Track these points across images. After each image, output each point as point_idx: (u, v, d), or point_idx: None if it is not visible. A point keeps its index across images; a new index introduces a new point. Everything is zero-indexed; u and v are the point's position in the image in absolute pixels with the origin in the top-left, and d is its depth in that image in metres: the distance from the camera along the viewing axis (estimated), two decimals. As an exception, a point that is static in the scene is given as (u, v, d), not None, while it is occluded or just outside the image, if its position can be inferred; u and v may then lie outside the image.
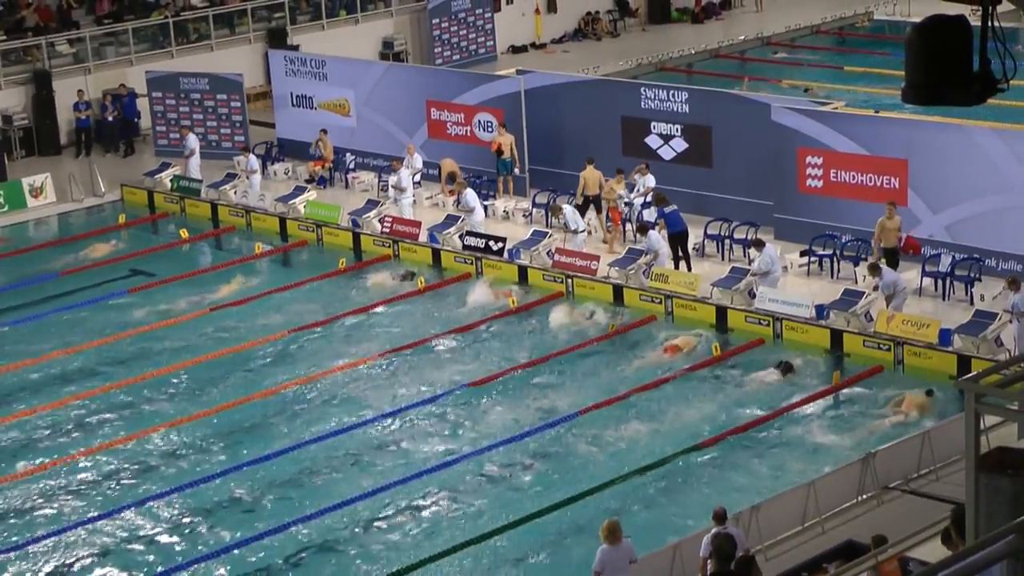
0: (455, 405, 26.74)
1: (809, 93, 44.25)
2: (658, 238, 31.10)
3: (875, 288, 28.27)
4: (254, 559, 21.88)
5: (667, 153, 34.87)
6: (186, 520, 23.21)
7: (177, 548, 22.42)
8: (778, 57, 53.32)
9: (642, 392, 26.70)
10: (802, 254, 31.31)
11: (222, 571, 21.60)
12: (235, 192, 38.63)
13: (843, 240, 31.14)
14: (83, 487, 24.42)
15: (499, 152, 36.52)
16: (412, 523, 22.71)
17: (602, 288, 31.18)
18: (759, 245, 29.74)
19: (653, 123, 35.08)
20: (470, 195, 34.27)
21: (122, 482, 24.57)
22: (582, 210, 33.40)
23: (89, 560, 22.16)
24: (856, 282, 29.78)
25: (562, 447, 25.00)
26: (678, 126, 34.68)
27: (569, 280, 31.65)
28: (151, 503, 23.61)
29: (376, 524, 22.71)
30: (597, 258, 31.63)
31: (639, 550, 18.73)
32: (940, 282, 29.53)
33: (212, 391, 27.94)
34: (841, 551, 19.04)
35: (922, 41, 10.84)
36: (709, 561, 17.68)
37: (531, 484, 23.78)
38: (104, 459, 25.30)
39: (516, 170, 36.72)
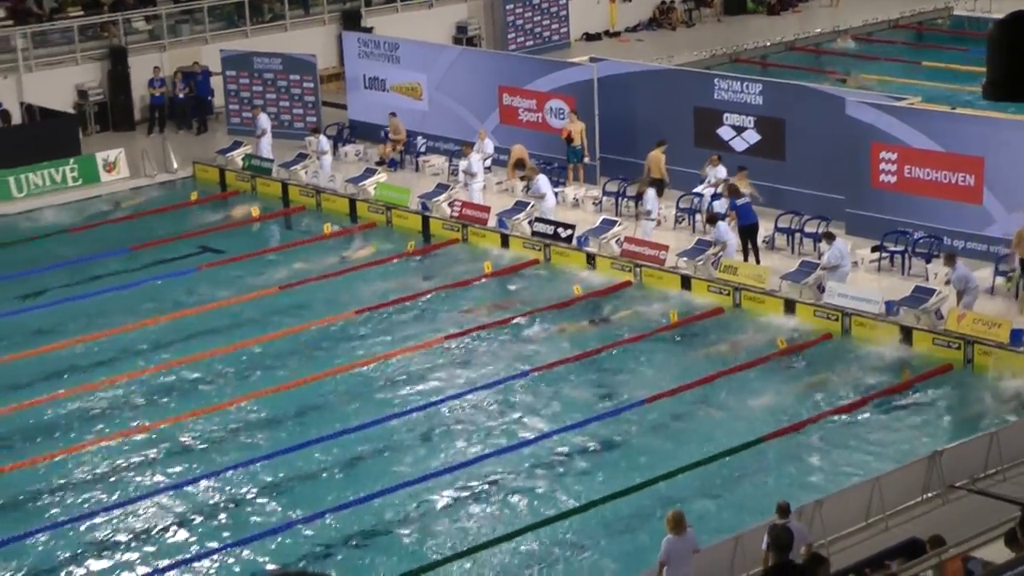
0: (521, 390, 26.73)
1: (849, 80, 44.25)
2: (727, 229, 30.95)
3: (947, 282, 28.03)
4: (316, 536, 21.98)
5: (739, 145, 34.70)
6: (249, 496, 23.37)
7: (239, 523, 22.56)
8: (837, 47, 52.74)
9: (710, 382, 26.59)
10: (873, 250, 31.07)
11: (284, 547, 21.71)
12: (306, 172, 38.79)
13: (915, 237, 30.88)
14: (147, 460, 24.61)
15: (569, 139, 36.46)
16: (476, 506, 22.74)
17: (670, 278, 31.08)
18: (829, 238, 29.55)
19: (726, 114, 34.91)
20: (542, 181, 34.22)
21: (185, 457, 24.76)
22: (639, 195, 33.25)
23: (150, 532, 22.33)
24: (927, 279, 29.53)
25: (628, 435, 24.94)
26: (751, 118, 34.51)
27: (637, 269, 31.57)
28: (215, 478, 23.77)
29: (441, 505, 22.75)
30: (666, 247, 31.51)
31: (701, 541, 18.68)
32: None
33: (280, 369, 28.05)
34: (904, 549, 18.89)
35: (1004, 37, 10.72)
36: (770, 553, 17.60)
37: (596, 471, 23.73)
38: (169, 433, 25.49)
39: (586, 159, 36.66)
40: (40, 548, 21.93)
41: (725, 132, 34.93)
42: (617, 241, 32.43)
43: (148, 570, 21.20)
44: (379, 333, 29.49)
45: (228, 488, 23.54)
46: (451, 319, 30.20)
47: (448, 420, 25.74)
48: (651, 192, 32.79)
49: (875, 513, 19.88)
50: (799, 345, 28.22)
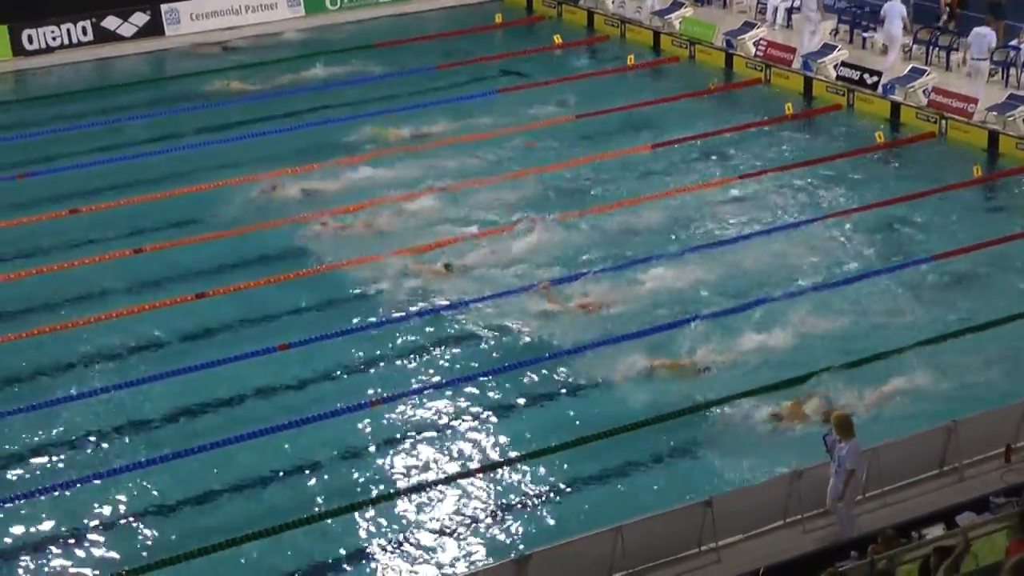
0: (809, 237, 26.03)
1: None
2: None
3: None
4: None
5: (1064, -2, 33.21)
6: (509, 324, 23.29)
7: (485, 352, 22.59)
8: None
9: (1008, 243, 25.58)
10: None
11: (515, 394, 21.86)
12: (613, 2, 38.56)
13: None
14: (399, 286, 24.55)
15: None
16: (741, 357, 22.10)
17: (976, 132, 30.05)
18: None
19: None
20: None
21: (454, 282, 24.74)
22: None
23: (342, 371, 22.21)
24: None
25: (915, 291, 24.05)
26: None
27: (943, 121, 30.58)
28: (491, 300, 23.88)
29: (714, 339, 22.42)
30: (975, 101, 30.43)
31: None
32: None
33: (570, 196, 28.00)
34: None
35: None
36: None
37: (869, 324, 22.96)
38: (454, 252, 25.64)
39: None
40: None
41: (1050, -15, 33.47)
42: (925, 91, 31.48)
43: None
44: (671, 169, 29.24)
45: (474, 318, 23.50)
46: (746, 160, 29.78)
47: (740, 259, 25.18)
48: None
49: None
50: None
